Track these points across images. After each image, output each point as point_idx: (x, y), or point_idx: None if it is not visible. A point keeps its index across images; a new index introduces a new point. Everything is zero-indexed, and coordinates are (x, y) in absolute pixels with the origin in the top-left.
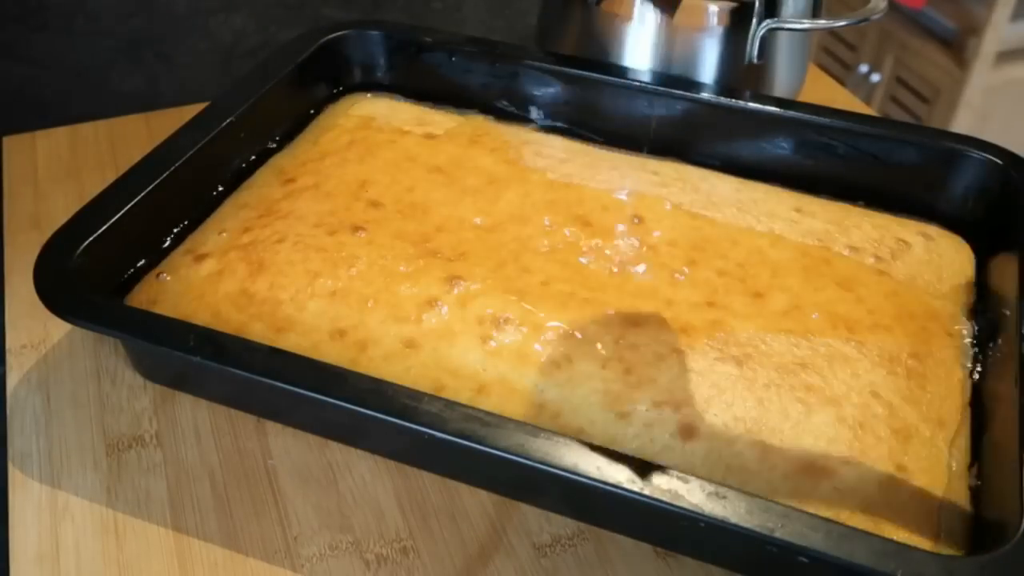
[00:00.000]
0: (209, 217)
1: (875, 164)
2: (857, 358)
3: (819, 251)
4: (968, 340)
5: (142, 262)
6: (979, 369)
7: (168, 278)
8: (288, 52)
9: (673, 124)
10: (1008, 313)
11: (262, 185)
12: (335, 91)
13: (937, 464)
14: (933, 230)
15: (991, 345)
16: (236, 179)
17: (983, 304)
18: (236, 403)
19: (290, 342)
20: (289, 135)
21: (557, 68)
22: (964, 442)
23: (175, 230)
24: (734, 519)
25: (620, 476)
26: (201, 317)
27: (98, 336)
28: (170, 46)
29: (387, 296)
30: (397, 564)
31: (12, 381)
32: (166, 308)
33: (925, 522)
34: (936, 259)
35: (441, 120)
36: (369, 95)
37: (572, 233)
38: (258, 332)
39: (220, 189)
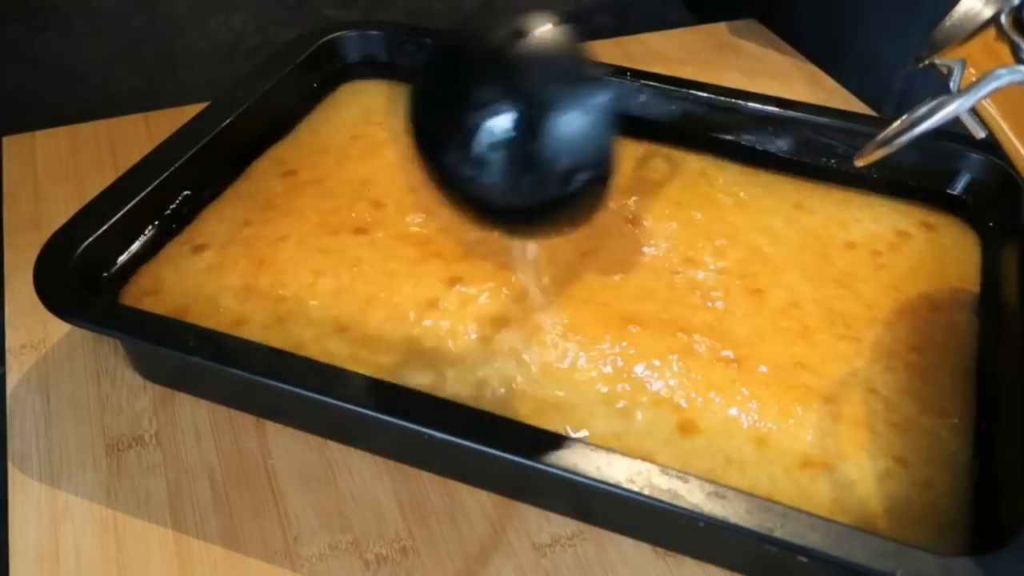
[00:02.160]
0: (207, 207)
1: (876, 163)
2: (854, 354)
3: (817, 247)
4: (974, 330)
5: (143, 264)
6: (985, 359)
7: (165, 268)
8: (288, 52)
9: (675, 121)
10: (1015, 302)
11: (261, 176)
12: (335, 90)
13: (939, 456)
14: (936, 218)
15: (998, 335)
16: (236, 178)
17: (990, 292)
18: (236, 403)
19: (292, 335)
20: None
21: None
22: (968, 433)
23: (176, 231)
24: (733, 519)
25: (620, 476)
26: (199, 308)
27: (98, 336)
28: (170, 46)
29: (389, 296)
30: (397, 564)
31: (12, 381)
32: (163, 298)
33: (927, 515)
34: (939, 249)
35: None
36: (369, 84)
37: (571, 234)
38: (259, 324)
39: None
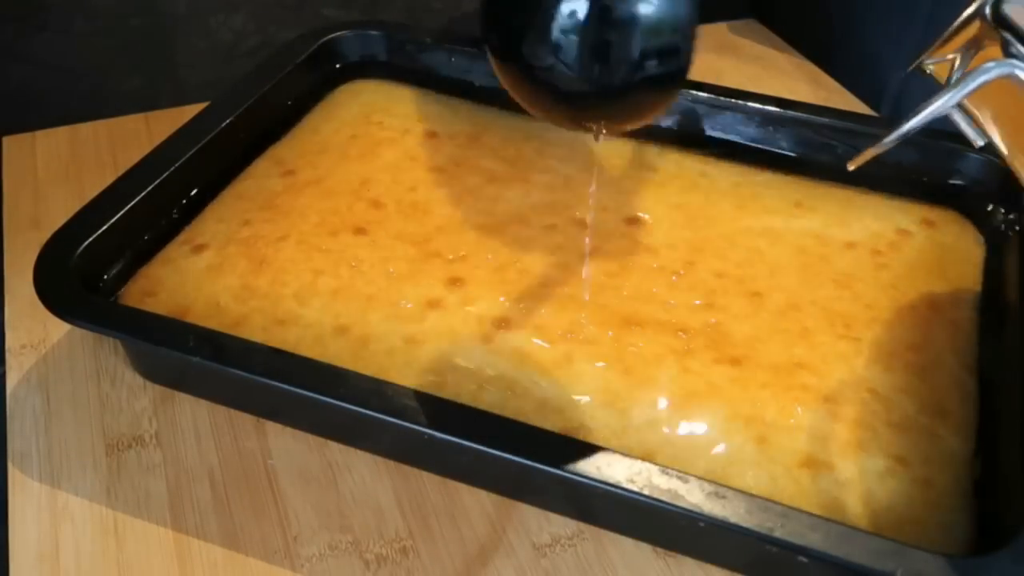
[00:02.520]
0: (206, 207)
1: (877, 161)
2: (853, 354)
3: (817, 248)
4: (974, 328)
5: (143, 264)
6: (986, 358)
7: (165, 268)
8: (288, 52)
9: (675, 121)
10: (1016, 300)
11: (260, 176)
12: (335, 90)
13: (939, 456)
14: (938, 216)
15: (998, 333)
16: (236, 178)
17: (991, 290)
18: (236, 403)
19: (292, 334)
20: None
21: None
22: (969, 432)
23: (176, 231)
24: (733, 519)
25: (620, 476)
26: (200, 309)
27: (98, 336)
28: (170, 46)
29: (389, 296)
30: (397, 564)
31: (12, 381)
32: (163, 299)
33: (927, 514)
34: (939, 247)
35: (440, 112)
36: (369, 84)
37: (571, 234)
38: (259, 324)
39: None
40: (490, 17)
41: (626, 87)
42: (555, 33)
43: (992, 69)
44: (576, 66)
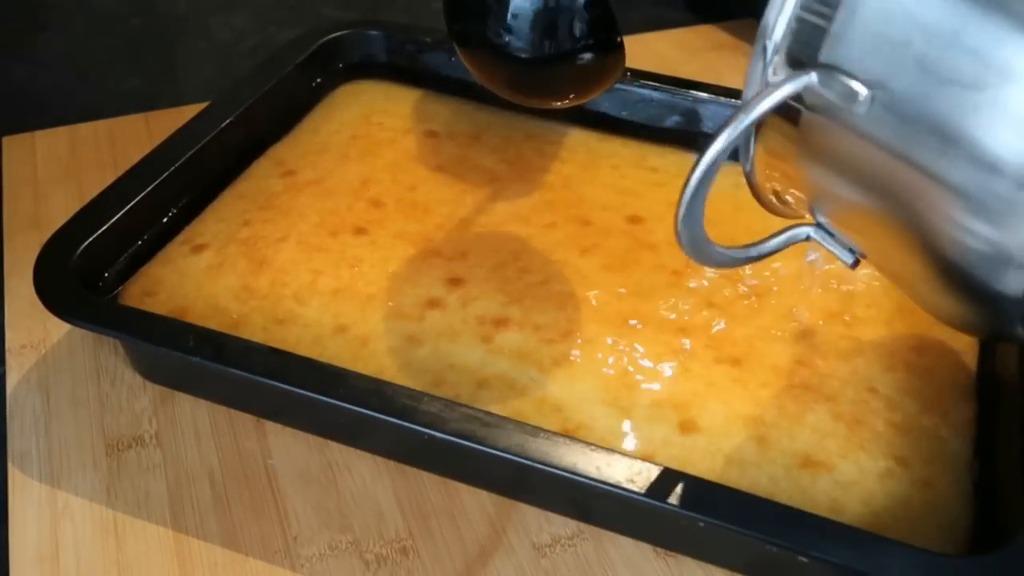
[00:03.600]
0: (206, 207)
1: None
2: (854, 355)
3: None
4: None
5: (143, 264)
6: (986, 359)
7: (165, 268)
8: (288, 52)
9: (675, 121)
10: None
11: (260, 176)
12: (335, 90)
13: (939, 456)
14: None
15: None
16: (236, 178)
17: None
18: (236, 403)
19: (292, 334)
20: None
21: None
22: (969, 433)
23: (176, 231)
24: (733, 519)
25: (620, 476)
26: (199, 309)
27: (98, 336)
28: (170, 46)
29: (389, 296)
30: (397, 564)
31: (12, 381)
32: (163, 299)
33: (927, 515)
34: None
35: (440, 112)
36: (369, 84)
37: (571, 233)
38: (258, 323)
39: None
40: (452, 14)
41: (558, 58)
42: (501, 18)
43: (784, 86)
44: (522, 39)
